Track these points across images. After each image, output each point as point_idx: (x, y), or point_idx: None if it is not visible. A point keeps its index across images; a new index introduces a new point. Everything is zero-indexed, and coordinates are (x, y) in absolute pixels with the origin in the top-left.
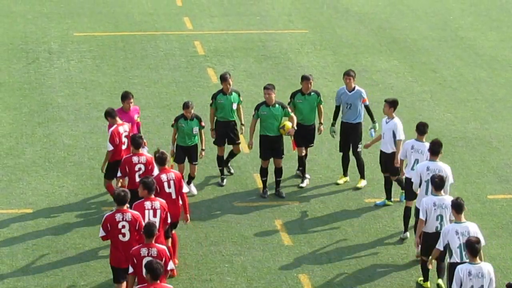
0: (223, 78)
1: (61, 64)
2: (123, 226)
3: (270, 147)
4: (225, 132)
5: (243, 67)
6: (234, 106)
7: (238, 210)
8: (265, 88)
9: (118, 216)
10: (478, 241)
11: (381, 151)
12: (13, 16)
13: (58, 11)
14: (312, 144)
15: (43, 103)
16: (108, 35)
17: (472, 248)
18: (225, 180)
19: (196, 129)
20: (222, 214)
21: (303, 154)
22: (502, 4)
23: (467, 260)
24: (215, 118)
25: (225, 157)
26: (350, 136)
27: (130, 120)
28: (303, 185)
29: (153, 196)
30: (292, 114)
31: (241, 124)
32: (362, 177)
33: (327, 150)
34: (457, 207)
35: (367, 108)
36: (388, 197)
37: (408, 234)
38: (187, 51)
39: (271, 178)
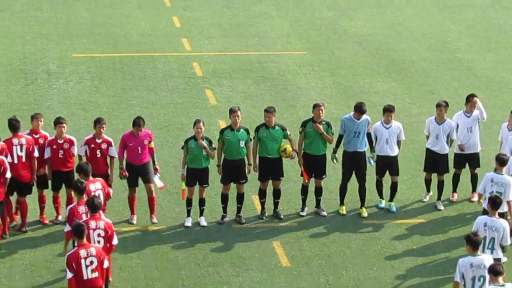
0: (231, 111)
1: (60, 85)
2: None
3: (269, 169)
4: (232, 171)
5: (241, 88)
6: (242, 144)
7: (236, 231)
8: (266, 111)
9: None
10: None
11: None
12: (12, 37)
13: (56, 32)
14: (325, 176)
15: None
16: (107, 56)
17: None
18: (225, 218)
19: (206, 151)
20: (220, 235)
21: (308, 184)
22: (500, 26)
23: None
24: (223, 155)
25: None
26: (357, 164)
27: (139, 144)
28: (303, 213)
29: (20, 133)
30: (292, 137)
31: (248, 163)
32: (363, 205)
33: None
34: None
35: (369, 136)
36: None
37: None
38: (186, 73)
39: (269, 199)
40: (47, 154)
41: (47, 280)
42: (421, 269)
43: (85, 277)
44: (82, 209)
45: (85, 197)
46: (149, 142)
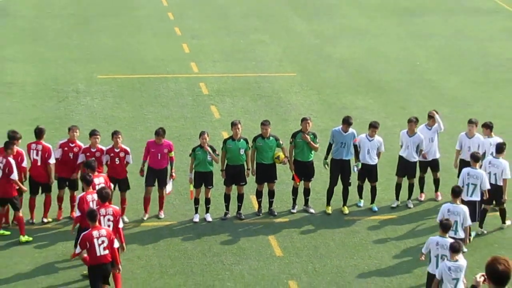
0: (233, 124)
1: (87, 102)
2: None
3: (265, 173)
4: (233, 175)
5: (241, 104)
6: (242, 152)
7: (237, 226)
8: (262, 124)
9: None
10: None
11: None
12: (46, 61)
13: (84, 57)
14: (312, 178)
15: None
16: (127, 78)
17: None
18: (228, 215)
19: (210, 158)
20: (223, 229)
21: (298, 186)
22: (461, 52)
23: None
24: (225, 161)
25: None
26: (343, 170)
27: (159, 152)
28: (294, 210)
29: (41, 141)
30: (284, 146)
31: (247, 168)
32: (345, 204)
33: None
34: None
35: (355, 147)
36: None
37: None
38: (193, 91)
39: (265, 199)
40: (81, 159)
41: (76, 265)
42: (394, 257)
43: (98, 254)
44: (89, 197)
45: (91, 188)
46: (169, 151)
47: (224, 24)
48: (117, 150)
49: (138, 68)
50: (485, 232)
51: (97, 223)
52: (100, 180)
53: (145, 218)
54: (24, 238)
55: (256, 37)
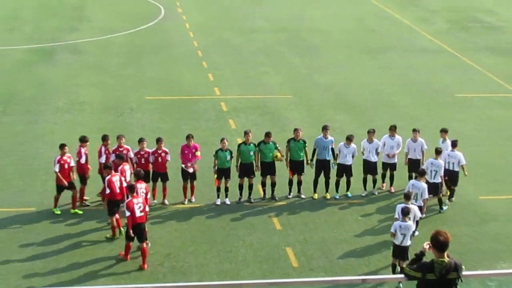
0: (245, 132)
1: (138, 116)
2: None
3: (267, 169)
4: (245, 170)
5: (251, 118)
6: (251, 153)
7: (248, 208)
8: (266, 135)
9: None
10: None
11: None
12: (108, 86)
13: (136, 83)
14: (304, 173)
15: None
16: (167, 98)
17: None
18: (241, 200)
19: (228, 157)
20: (238, 210)
21: (292, 178)
22: (414, 80)
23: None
24: (239, 160)
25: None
26: (325, 167)
27: (190, 152)
28: (290, 196)
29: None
30: (280, 148)
31: (255, 165)
32: (327, 192)
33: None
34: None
35: (332, 150)
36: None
37: None
38: (216, 109)
39: (268, 188)
40: (134, 160)
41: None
42: (364, 229)
43: (137, 215)
44: (114, 179)
45: (113, 172)
46: (195, 151)
47: (239, 59)
48: (159, 152)
49: (176, 91)
50: (449, 203)
51: (135, 193)
52: (126, 167)
53: (185, 203)
54: (73, 211)
55: (263, 69)
